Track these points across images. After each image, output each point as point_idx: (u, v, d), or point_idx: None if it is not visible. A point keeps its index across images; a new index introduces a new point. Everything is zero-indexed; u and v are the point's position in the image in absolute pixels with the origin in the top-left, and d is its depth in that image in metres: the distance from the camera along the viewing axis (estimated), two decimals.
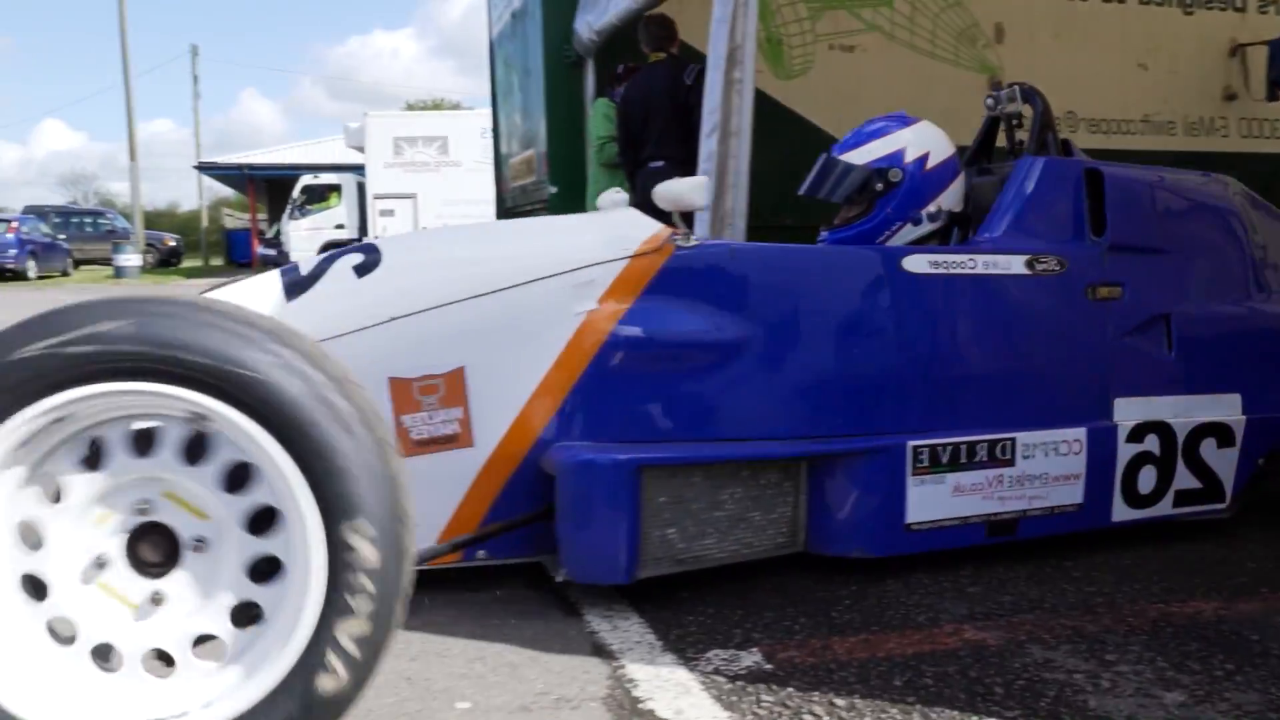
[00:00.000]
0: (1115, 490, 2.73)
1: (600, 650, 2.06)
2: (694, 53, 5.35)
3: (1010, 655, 2.03)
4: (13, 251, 20.26)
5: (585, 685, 1.89)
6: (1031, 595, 2.38)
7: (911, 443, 2.50)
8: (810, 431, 2.49)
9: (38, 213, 25.35)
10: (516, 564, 2.51)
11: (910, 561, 2.56)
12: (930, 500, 2.52)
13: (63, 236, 23.85)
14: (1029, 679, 1.92)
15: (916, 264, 2.59)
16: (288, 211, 24.09)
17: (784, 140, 5.36)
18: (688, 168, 5.58)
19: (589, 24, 6.46)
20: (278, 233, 23.54)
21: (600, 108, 5.97)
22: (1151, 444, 2.76)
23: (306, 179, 24.74)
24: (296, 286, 2.45)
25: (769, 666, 1.97)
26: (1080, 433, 2.68)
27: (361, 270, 2.47)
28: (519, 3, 7.44)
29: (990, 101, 3.16)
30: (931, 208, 2.88)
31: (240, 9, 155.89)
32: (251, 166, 26.55)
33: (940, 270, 2.60)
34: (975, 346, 2.66)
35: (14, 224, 21.05)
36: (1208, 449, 2.82)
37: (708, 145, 3.52)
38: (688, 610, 2.28)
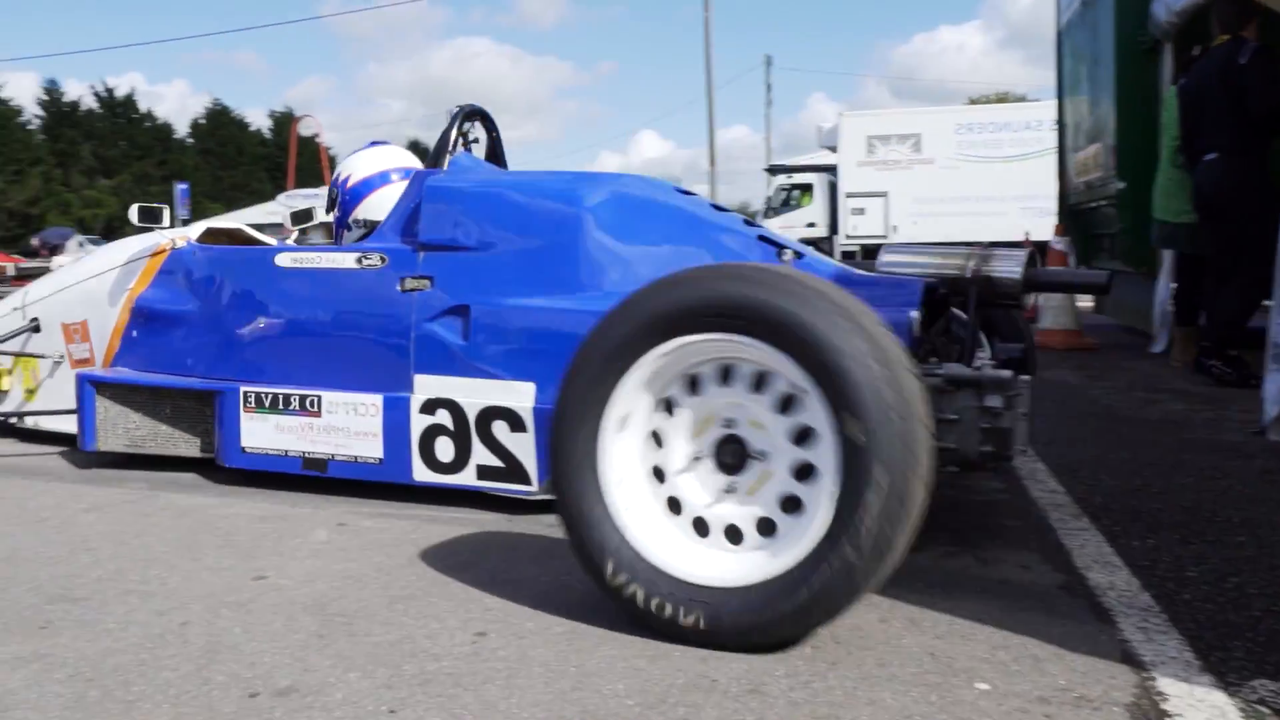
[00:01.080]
0: (413, 453, 3.22)
1: (1129, 658, 2.03)
2: None
3: None
4: None
5: (1109, 689, 1.90)
6: None
7: (243, 388, 3.48)
8: (216, 375, 3.62)
9: None
10: (1043, 565, 2.54)
11: None
12: (258, 432, 3.45)
13: None
14: None
15: (284, 260, 3.52)
16: (762, 210, 25.04)
17: None
18: (1243, 158, 5.01)
19: (1168, 5, 6.03)
20: None
21: (1174, 96, 5.54)
22: (444, 418, 3.16)
23: (781, 179, 25.36)
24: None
25: None
26: (378, 399, 3.28)
27: (70, 263, 4.38)
28: None
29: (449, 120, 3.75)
30: (361, 216, 3.87)
31: (810, 17, 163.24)
32: (815, 167, 27.61)
33: (297, 265, 3.49)
34: (306, 323, 3.47)
35: None
36: (500, 431, 3.10)
37: None
38: (1235, 635, 2.15)
